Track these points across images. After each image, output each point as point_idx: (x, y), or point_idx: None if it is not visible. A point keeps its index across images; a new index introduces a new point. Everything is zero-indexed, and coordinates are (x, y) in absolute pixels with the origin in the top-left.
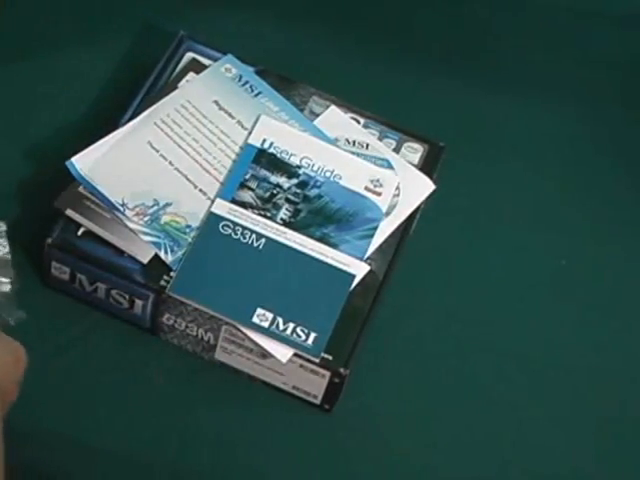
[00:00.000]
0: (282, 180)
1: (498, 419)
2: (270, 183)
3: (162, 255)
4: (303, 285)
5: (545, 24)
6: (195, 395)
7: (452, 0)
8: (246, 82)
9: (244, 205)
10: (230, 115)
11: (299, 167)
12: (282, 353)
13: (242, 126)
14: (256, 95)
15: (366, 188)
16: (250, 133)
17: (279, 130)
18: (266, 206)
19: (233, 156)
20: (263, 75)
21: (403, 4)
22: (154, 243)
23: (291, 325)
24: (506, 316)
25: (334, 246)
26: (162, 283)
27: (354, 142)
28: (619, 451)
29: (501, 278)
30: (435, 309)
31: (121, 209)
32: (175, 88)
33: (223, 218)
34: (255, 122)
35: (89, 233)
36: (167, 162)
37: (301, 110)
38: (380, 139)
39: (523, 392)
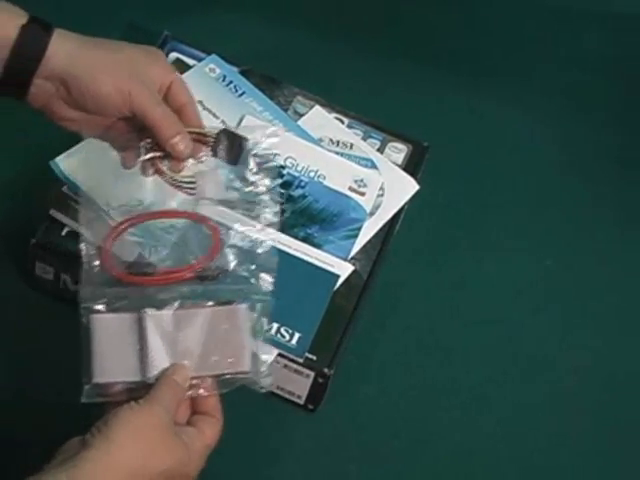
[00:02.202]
0: (266, 181)
1: (486, 418)
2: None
3: (146, 255)
4: (287, 285)
5: (534, 26)
6: None
7: (439, 1)
8: (230, 82)
9: (228, 205)
10: (214, 115)
11: (283, 167)
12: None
13: (226, 126)
14: (240, 95)
15: (350, 188)
16: None
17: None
18: (250, 206)
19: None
20: (247, 75)
21: (389, 5)
22: (138, 243)
23: (275, 325)
24: (492, 315)
25: (318, 246)
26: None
27: (338, 142)
28: (607, 445)
29: (486, 278)
30: (419, 309)
31: (105, 209)
32: None
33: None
34: (239, 122)
35: (73, 233)
36: None
37: (285, 110)
38: (364, 139)
39: (509, 391)
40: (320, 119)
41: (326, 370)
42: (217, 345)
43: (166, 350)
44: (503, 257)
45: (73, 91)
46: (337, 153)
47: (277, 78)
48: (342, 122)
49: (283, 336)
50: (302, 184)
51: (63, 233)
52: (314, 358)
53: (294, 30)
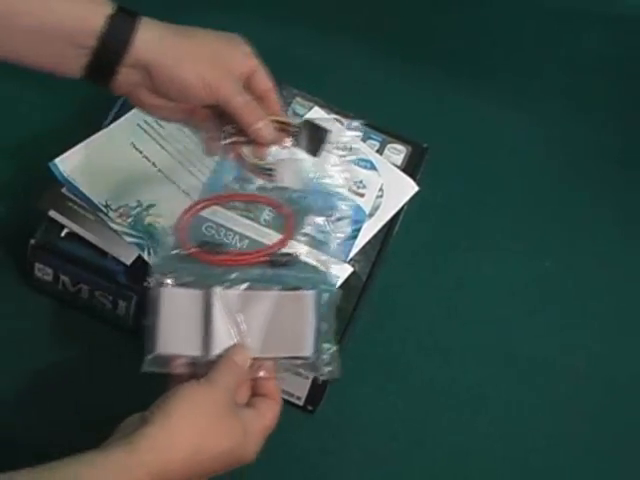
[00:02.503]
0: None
1: (484, 419)
2: (253, 184)
3: (145, 256)
4: None
5: (534, 26)
6: None
7: (438, 2)
8: None
9: (227, 206)
10: None
11: None
12: None
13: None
14: None
15: (349, 189)
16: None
17: None
18: (249, 207)
19: (216, 157)
20: None
21: (389, 6)
22: (137, 244)
23: None
24: (490, 316)
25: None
26: (145, 284)
27: (337, 143)
28: (605, 445)
29: (485, 279)
30: (418, 310)
31: (104, 210)
32: None
33: (206, 219)
34: None
35: (72, 234)
36: (150, 163)
37: (284, 111)
38: (363, 140)
39: (507, 392)
40: (319, 120)
41: None
42: (281, 329)
43: (230, 329)
44: (502, 258)
45: (157, 80)
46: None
47: (276, 79)
48: (341, 123)
49: None
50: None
51: (62, 234)
52: None
53: (293, 31)
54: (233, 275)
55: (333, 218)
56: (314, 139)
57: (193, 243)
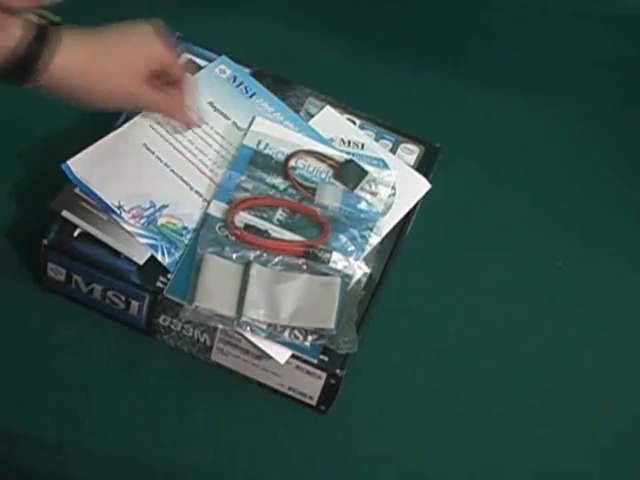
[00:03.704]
0: (278, 181)
1: (494, 420)
2: (266, 184)
3: (159, 257)
4: None
5: (542, 26)
6: (191, 396)
7: (448, 2)
8: (240, 83)
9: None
10: (225, 116)
11: (294, 168)
12: (280, 355)
13: (237, 127)
14: (251, 96)
15: (362, 188)
16: (245, 134)
17: (274, 131)
18: (262, 207)
19: (228, 157)
20: (259, 76)
21: (400, 5)
22: (151, 245)
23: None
24: (503, 317)
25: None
26: (158, 284)
27: (349, 142)
28: (614, 447)
29: (498, 279)
30: (431, 310)
31: (117, 211)
32: None
33: (219, 219)
34: (250, 123)
35: (85, 234)
36: (163, 164)
37: (297, 111)
38: (376, 140)
39: (518, 393)
40: (331, 120)
41: (338, 371)
42: (309, 303)
43: (263, 297)
44: (514, 257)
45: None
46: (348, 153)
47: (289, 79)
48: (354, 123)
49: (297, 337)
50: (314, 185)
51: (75, 234)
52: (326, 359)
53: (306, 32)
54: (270, 259)
55: (365, 233)
56: (353, 176)
57: (239, 225)
